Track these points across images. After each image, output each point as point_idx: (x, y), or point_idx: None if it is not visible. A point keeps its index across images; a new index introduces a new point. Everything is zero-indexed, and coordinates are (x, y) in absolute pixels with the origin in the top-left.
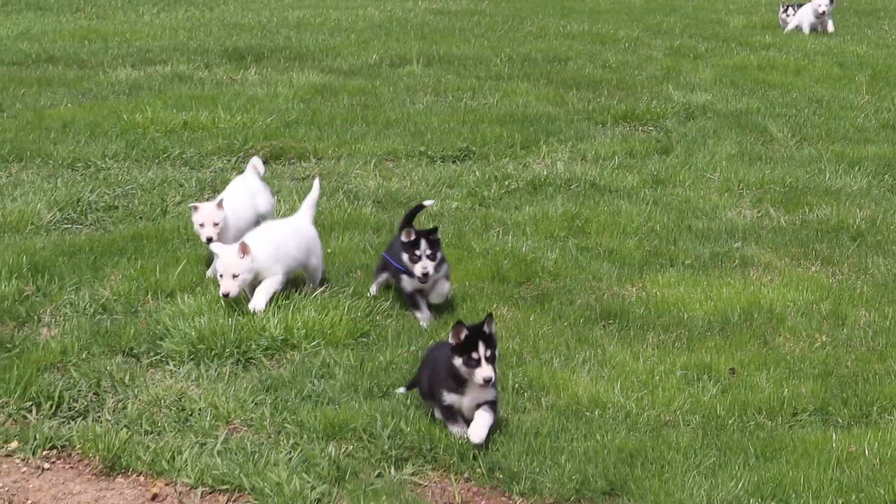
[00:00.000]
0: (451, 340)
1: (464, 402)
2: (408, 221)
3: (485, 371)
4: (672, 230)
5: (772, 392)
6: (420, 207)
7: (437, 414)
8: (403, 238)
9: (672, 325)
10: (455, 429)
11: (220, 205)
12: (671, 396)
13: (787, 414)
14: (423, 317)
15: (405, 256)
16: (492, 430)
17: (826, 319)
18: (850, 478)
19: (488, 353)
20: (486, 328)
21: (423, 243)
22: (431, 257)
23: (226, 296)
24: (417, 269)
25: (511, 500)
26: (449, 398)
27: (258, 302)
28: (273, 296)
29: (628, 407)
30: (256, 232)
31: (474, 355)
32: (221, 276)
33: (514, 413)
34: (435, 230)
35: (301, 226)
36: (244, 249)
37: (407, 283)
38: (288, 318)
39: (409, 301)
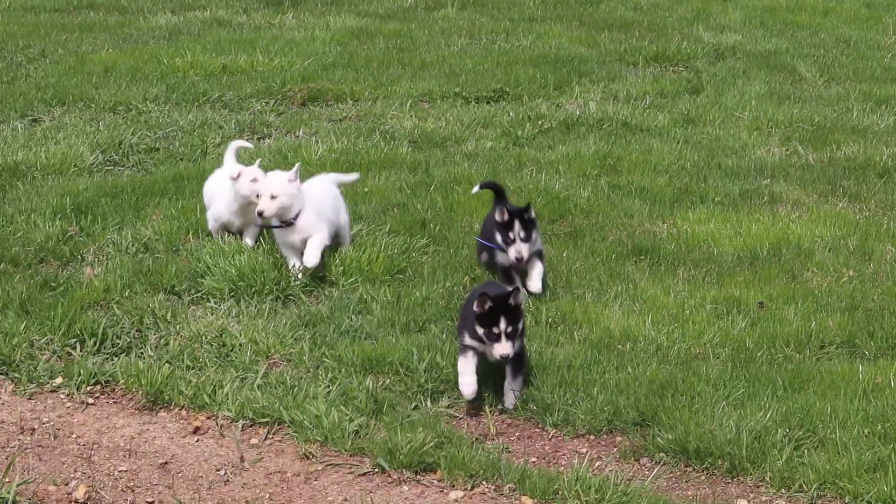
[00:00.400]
0: (475, 309)
1: (486, 350)
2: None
3: (503, 348)
4: (702, 168)
5: (800, 325)
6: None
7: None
8: (497, 218)
9: (702, 261)
10: (463, 378)
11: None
12: (701, 330)
13: (814, 346)
14: None
15: (498, 237)
16: (525, 376)
17: (853, 254)
18: (876, 408)
19: (509, 328)
20: (511, 301)
21: (517, 225)
22: (526, 239)
23: (260, 214)
24: (511, 253)
25: (545, 432)
26: (469, 341)
27: (310, 257)
28: (323, 250)
29: (659, 340)
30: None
31: (495, 330)
32: (259, 196)
33: (547, 346)
34: (528, 208)
35: (327, 185)
36: (294, 175)
37: (502, 258)
38: (327, 256)
39: (504, 276)
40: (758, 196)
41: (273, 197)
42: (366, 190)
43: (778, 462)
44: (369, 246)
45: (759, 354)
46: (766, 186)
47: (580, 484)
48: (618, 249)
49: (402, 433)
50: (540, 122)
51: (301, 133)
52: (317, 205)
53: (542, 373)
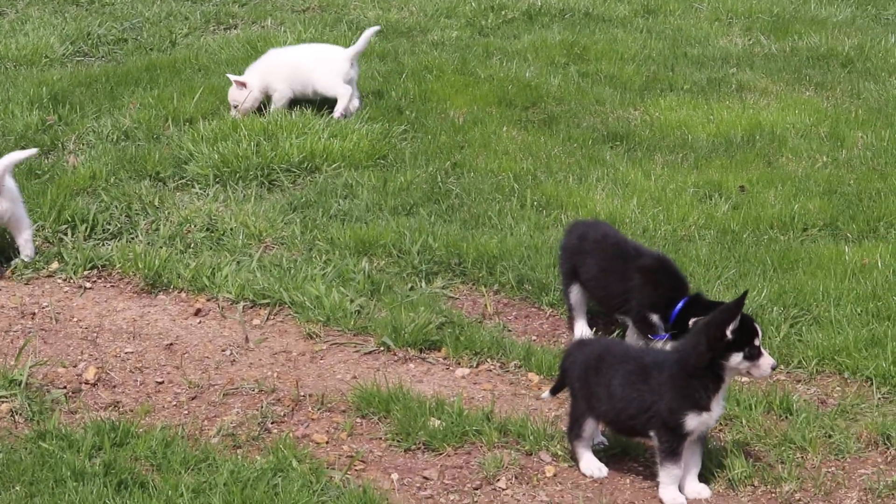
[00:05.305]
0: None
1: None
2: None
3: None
4: (668, 57)
5: (781, 208)
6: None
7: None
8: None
9: (677, 147)
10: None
11: None
12: (685, 212)
13: (797, 229)
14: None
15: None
16: None
17: (825, 141)
18: (866, 287)
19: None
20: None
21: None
22: None
23: None
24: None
25: (541, 311)
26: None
27: None
28: None
29: (645, 222)
30: None
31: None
32: None
33: (536, 230)
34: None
35: None
36: None
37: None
38: (310, 143)
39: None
40: (725, 84)
41: None
42: None
43: (776, 339)
44: (350, 132)
45: (744, 236)
46: (732, 75)
47: None
48: (593, 135)
49: (404, 312)
50: (503, 13)
51: (269, 23)
52: None
53: (536, 254)
